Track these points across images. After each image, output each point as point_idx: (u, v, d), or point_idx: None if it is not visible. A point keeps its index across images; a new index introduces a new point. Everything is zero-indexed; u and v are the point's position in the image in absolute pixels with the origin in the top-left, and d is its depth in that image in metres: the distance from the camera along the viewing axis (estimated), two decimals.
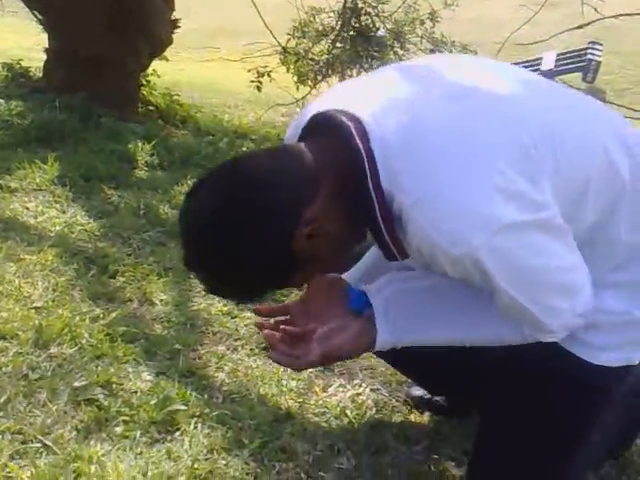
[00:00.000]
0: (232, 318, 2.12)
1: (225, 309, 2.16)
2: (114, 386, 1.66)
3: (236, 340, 2.00)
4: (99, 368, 1.72)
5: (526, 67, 10.07)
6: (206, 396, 1.70)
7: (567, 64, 10.01)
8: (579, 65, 9.96)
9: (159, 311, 2.09)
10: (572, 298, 1.18)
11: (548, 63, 9.91)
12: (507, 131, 1.09)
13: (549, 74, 9.93)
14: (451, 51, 5.03)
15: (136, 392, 1.67)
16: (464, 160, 1.04)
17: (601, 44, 9.67)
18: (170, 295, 2.19)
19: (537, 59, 9.97)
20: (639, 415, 1.53)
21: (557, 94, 1.27)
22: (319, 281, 1.30)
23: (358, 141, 1.08)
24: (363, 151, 1.07)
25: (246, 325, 2.09)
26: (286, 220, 1.09)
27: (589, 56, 9.88)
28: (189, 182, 3.14)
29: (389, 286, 1.27)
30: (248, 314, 2.15)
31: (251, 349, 1.97)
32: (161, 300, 2.15)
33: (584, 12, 3.92)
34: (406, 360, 1.50)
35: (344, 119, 1.10)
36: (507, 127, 1.09)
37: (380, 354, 1.56)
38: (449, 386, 1.63)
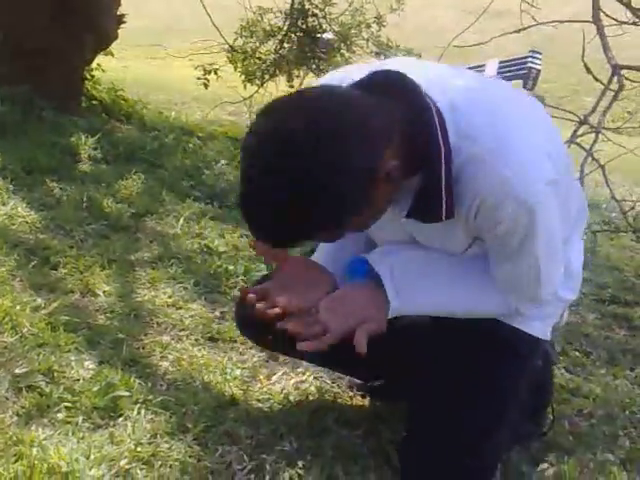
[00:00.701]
0: (177, 309, 2.12)
1: (170, 300, 2.16)
2: (56, 374, 1.65)
3: (181, 330, 2.01)
4: (41, 356, 1.70)
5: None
6: (149, 384, 1.70)
7: (509, 72, 10.25)
8: (520, 73, 10.24)
9: (102, 302, 2.08)
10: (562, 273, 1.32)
11: (491, 70, 10.16)
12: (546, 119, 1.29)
13: None
14: (396, 55, 5.12)
15: (78, 380, 1.66)
16: (529, 129, 1.18)
17: (541, 53, 9.97)
18: (113, 287, 2.19)
19: (480, 66, 10.22)
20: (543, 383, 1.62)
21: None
22: (295, 261, 1.35)
23: (428, 99, 1.13)
24: (433, 107, 1.13)
25: (191, 316, 2.10)
26: (375, 150, 1.07)
27: (529, 64, 10.16)
28: (134, 176, 3.12)
29: (390, 254, 1.30)
30: (194, 305, 2.16)
31: (196, 339, 1.98)
32: (104, 291, 2.14)
33: (526, 21, 4.06)
34: (334, 357, 1.47)
35: (410, 79, 1.14)
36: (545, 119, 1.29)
37: (310, 358, 1.64)
38: (381, 370, 1.67)
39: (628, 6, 2.67)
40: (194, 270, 2.39)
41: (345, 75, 1.23)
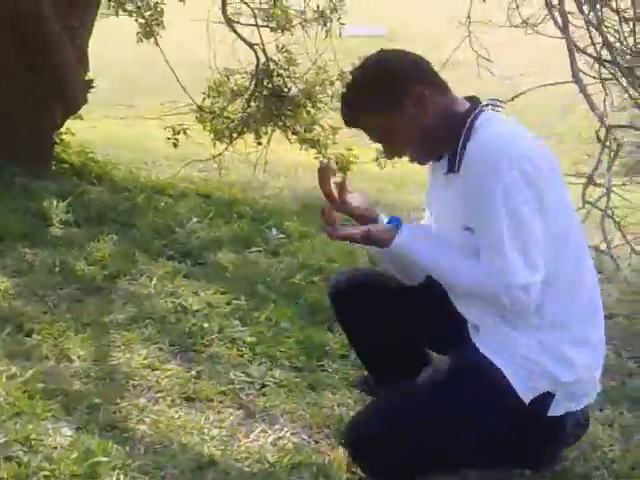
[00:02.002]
0: (153, 370, 2.14)
1: (145, 362, 2.18)
2: (33, 442, 1.65)
3: (157, 392, 2.02)
4: (17, 425, 1.70)
5: None
6: (127, 448, 1.71)
7: None
8: None
9: (77, 367, 2.08)
10: (531, 270, 1.54)
11: None
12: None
13: None
14: None
15: (56, 447, 1.66)
16: (516, 136, 1.66)
17: (501, 101, 10.24)
18: (88, 351, 2.19)
19: None
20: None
21: None
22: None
23: (479, 107, 1.68)
24: (478, 108, 1.67)
25: (167, 377, 2.11)
26: (417, 78, 1.66)
27: None
28: (106, 238, 3.15)
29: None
30: (169, 365, 2.18)
31: (172, 400, 1.99)
32: (79, 356, 2.15)
33: (482, 72, 4.23)
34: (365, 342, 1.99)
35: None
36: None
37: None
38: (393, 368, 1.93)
39: (599, 60, 2.80)
40: (169, 330, 2.40)
41: None
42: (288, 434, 1.87)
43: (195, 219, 3.67)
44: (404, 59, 1.71)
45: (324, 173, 1.74)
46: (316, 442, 1.87)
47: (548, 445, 1.74)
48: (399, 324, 1.87)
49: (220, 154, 4.86)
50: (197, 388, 2.06)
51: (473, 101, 1.71)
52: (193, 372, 2.16)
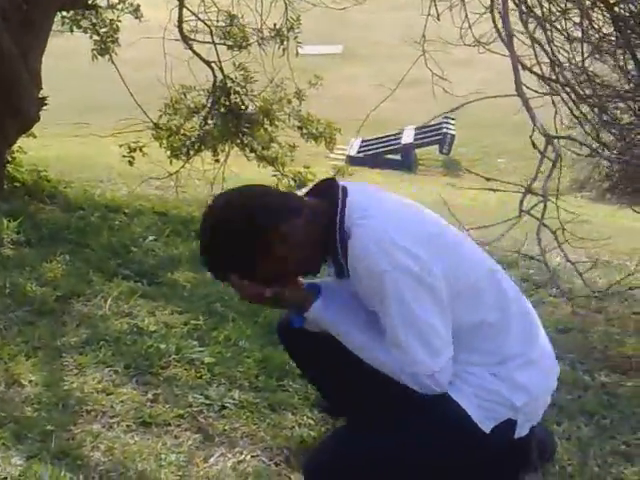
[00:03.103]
0: (107, 395, 2.08)
1: (99, 386, 2.12)
2: None
3: (112, 417, 1.96)
4: None
5: (387, 141, 10.69)
6: (82, 476, 1.65)
7: (425, 137, 10.72)
8: (436, 139, 10.68)
9: (28, 392, 2.02)
10: (432, 357, 1.54)
11: (408, 137, 10.57)
12: (423, 227, 1.65)
13: (409, 147, 10.62)
14: (317, 129, 5.26)
15: (6, 478, 1.59)
16: (394, 227, 1.59)
17: (454, 119, 10.43)
18: (40, 375, 2.13)
19: (398, 133, 10.61)
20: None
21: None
22: None
23: (340, 196, 1.63)
24: (340, 202, 1.62)
25: (122, 401, 2.05)
26: (275, 217, 1.60)
27: (444, 130, 10.63)
28: (58, 258, 3.07)
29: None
30: (124, 389, 2.12)
31: (127, 425, 1.94)
32: (30, 381, 2.08)
33: (437, 90, 4.27)
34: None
35: (338, 183, 1.68)
36: (424, 225, 1.67)
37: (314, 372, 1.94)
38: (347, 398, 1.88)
39: (542, 78, 2.86)
40: (124, 352, 2.35)
41: None
42: (248, 457, 1.83)
43: (151, 237, 3.62)
44: (254, 203, 1.64)
45: None
46: (276, 465, 1.83)
47: (518, 468, 1.74)
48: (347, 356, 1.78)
49: (177, 171, 4.81)
50: (153, 412, 2.01)
51: (330, 193, 1.65)
52: (149, 395, 2.11)
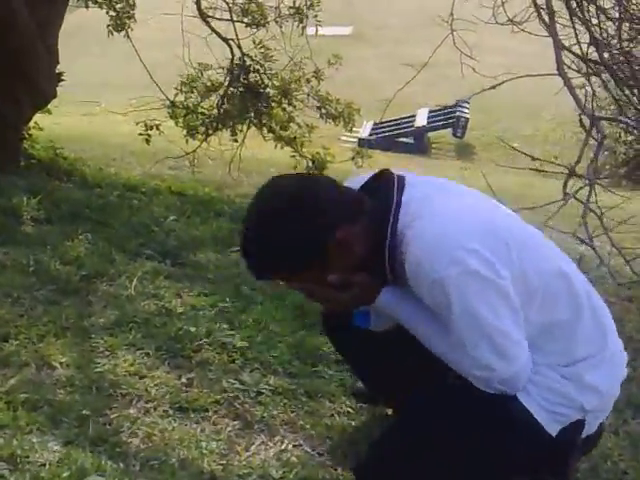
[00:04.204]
0: (140, 378, 2.01)
1: (132, 369, 2.05)
2: (19, 460, 1.52)
3: (147, 402, 1.90)
4: (1, 441, 1.56)
5: (400, 124, 10.57)
6: (122, 464, 1.59)
7: (438, 121, 10.57)
8: (449, 122, 10.55)
9: (60, 375, 1.95)
10: (505, 362, 1.44)
11: (421, 120, 10.44)
12: (487, 225, 1.49)
13: (422, 130, 10.49)
14: (336, 109, 5.16)
15: (44, 464, 1.53)
16: (447, 228, 1.45)
17: (468, 102, 10.30)
18: (70, 357, 2.06)
19: (411, 116, 10.47)
20: None
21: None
22: None
23: (394, 195, 1.48)
24: (395, 201, 1.48)
25: (156, 385, 1.99)
26: (331, 221, 1.45)
27: (458, 113, 10.48)
28: (80, 236, 3.00)
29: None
30: (157, 373, 2.05)
31: (164, 410, 1.87)
32: (61, 363, 2.01)
33: (465, 71, 4.17)
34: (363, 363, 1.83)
35: (394, 177, 1.53)
36: (487, 223, 1.50)
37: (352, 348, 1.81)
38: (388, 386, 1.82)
39: (584, 59, 2.77)
40: (154, 334, 2.28)
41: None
42: (290, 446, 1.77)
43: (172, 217, 3.54)
44: (317, 208, 1.46)
45: None
46: (320, 455, 1.77)
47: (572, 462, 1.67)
48: (399, 349, 1.70)
49: (194, 150, 4.71)
50: (189, 397, 1.94)
51: (385, 190, 1.50)
52: (183, 379, 2.04)
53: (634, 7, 3.80)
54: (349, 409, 2.01)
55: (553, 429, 1.52)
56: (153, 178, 4.71)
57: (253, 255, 1.50)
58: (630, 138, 8.08)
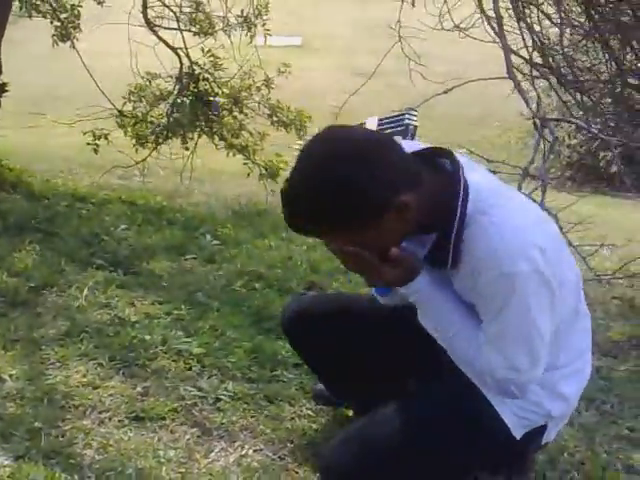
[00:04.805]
0: (94, 389, 1.95)
1: (85, 380, 1.99)
2: None
3: (102, 412, 1.84)
4: None
5: None
6: (77, 476, 1.53)
7: (388, 128, 10.67)
8: (398, 129, 10.66)
9: (10, 387, 1.88)
10: (533, 367, 1.43)
11: (370, 128, 10.53)
12: (551, 227, 1.49)
13: None
14: (288, 117, 5.15)
15: None
16: (527, 222, 1.42)
17: (416, 110, 10.43)
18: (20, 369, 1.99)
19: (361, 124, 10.55)
20: None
21: None
22: None
23: (462, 174, 1.40)
24: (462, 182, 1.39)
25: (111, 395, 1.93)
26: (397, 183, 1.33)
27: (407, 121, 10.61)
28: (28, 247, 2.91)
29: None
30: (112, 383, 2.00)
31: (120, 420, 1.82)
32: (11, 375, 1.94)
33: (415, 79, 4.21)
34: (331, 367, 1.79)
35: (456, 157, 1.44)
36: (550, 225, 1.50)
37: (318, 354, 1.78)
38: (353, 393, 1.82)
39: (532, 62, 2.82)
40: (107, 344, 2.22)
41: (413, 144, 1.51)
42: (251, 452, 1.74)
43: (123, 226, 3.47)
44: (380, 159, 1.33)
45: None
46: (281, 459, 1.74)
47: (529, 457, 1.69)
48: (361, 350, 1.72)
49: (144, 160, 4.63)
50: (146, 406, 1.89)
51: (447, 170, 1.41)
52: (139, 389, 1.99)
53: (574, 14, 3.91)
54: (309, 412, 1.99)
55: (519, 433, 1.53)
56: (102, 188, 4.62)
57: (305, 196, 1.31)
58: (574, 141, 8.27)
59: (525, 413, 1.52)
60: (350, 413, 1.95)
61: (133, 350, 2.19)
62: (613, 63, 4.07)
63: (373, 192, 1.31)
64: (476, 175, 1.43)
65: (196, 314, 2.52)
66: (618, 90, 4.35)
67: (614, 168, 8.17)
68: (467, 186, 1.39)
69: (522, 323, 1.39)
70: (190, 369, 2.14)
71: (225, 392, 2.02)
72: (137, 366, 2.11)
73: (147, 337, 2.27)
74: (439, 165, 1.44)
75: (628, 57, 4.42)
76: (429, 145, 1.48)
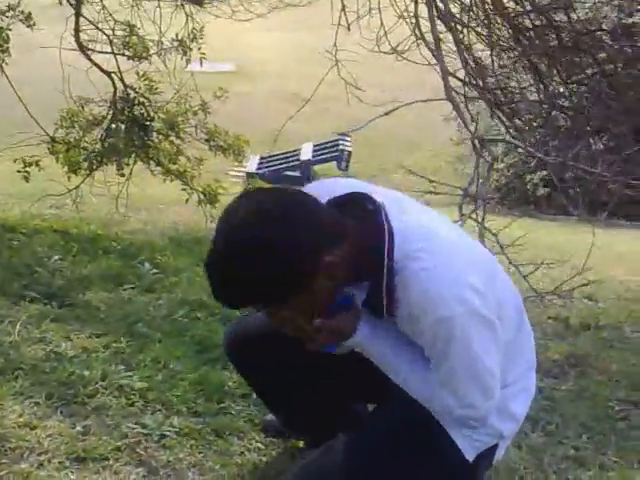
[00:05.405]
0: (31, 429, 1.86)
1: (21, 420, 1.89)
2: None
3: (40, 454, 1.75)
4: None
5: (286, 158, 10.66)
6: None
7: (323, 154, 10.77)
8: (333, 155, 10.76)
9: None
10: (487, 401, 1.45)
11: (306, 153, 10.58)
12: (482, 258, 1.51)
13: (308, 163, 10.63)
14: (225, 141, 5.11)
15: None
16: (458, 262, 1.41)
17: (349, 136, 10.54)
18: None
19: (296, 150, 10.60)
20: None
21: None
22: None
23: (385, 220, 1.39)
24: (387, 227, 1.38)
25: (49, 435, 1.84)
26: (318, 245, 1.33)
27: (340, 146, 10.73)
28: None
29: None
30: (50, 422, 1.90)
31: (60, 462, 1.73)
32: None
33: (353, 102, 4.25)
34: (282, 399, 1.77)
35: (377, 201, 1.42)
36: (482, 256, 1.52)
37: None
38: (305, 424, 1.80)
39: (469, 84, 2.88)
40: (43, 381, 2.12)
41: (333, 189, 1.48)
42: None
43: (56, 257, 3.35)
44: (307, 225, 1.32)
45: None
46: None
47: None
48: (308, 375, 1.69)
49: (77, 187, 4.50)
50: (87, 446, 1.81)
51: (369, 213, 1.40)
52: (79, 427, 1.91)
53: (503, 39, 4.03)
54: (259, 444, 1.94)
55: (471, 455, 1.52)
56: (33, 218, 4.46)
57: (228, 284, 1.34)
58: (501, 165, 8.50)
59: (478, 435, 1.52)
60: (301, 444, 1.91)
61: (71, 387, 2.10)
62: (542, 86, 4.22)
63: (298, 261, 1.31)
64: (403, 217, 1.42)
65: (137, 346, 2.44)
66: (547, 112, 4.50)
67: (541, 191, 8.46)
68: (392, 232, 1.38)
69: (468, 364, 1.41)
70: (133, 405, 2.06)
71: (171, 428, 1.95)
72: (76, 403, 2.02)
73: (86, 372, 2.18)
74: (361, 212, 1.42)
75: (557, 79, 4.59)
76: (348, 191, 1.46)
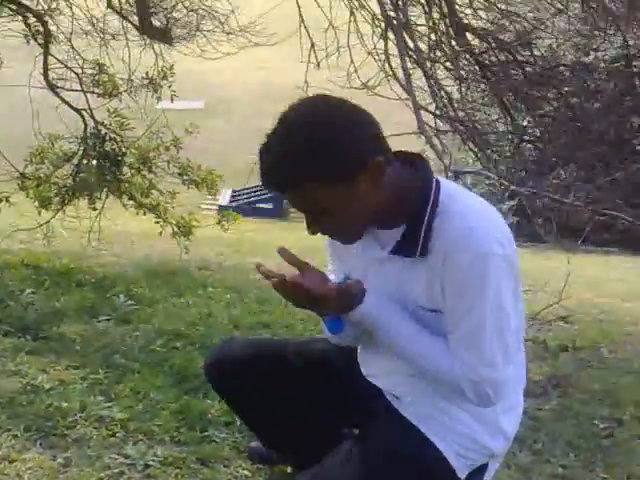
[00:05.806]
0: (10, 463, 1.81)
1: (0, 453, 1.82)
2: None
3: None
4: None
5: (257, 191, 10.66)
6: None
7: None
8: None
9: None
10: (505, 363, 1.41)
11: None
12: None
13: (279, 195, 10.66)
14: (198, 175, 5.11)
15: None
16: (493, 212, 1.45)
17: None
18: None
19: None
20: None
21: None
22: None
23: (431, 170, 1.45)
24: (434, 177, 1.43)
25: (29, 468, 1.79)
26: (375, 146, 1.36)
27: None
28: None
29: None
30: (29, 455, 1.84)
31: None
32: None
33: None
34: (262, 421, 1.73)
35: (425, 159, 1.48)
36: None
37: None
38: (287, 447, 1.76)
39: (438, 116, 2.93)
40: (20, 414, 2.07)
41: None
42: None
43: (29, 290, 3.29)
44: (357, 120, 1.37)
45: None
46: None
47: None
48: (289, 399, 1.65)
49: (48, 222, 4.44)
50: (68, 478, 1.77)
51: (419, 165, 1.45)
52: (60, 459, 1.85)
53: (471, 74, 4.13)
54: (246, 472, 1.90)
55: (463, 474, 1.50)
56: (3, 253, 4.38)
57: (280, 142, 1.34)
58: None
59: (469, 453, 1.50)
60: (289, 469, 1.87)
61: (50, 419, 2.04)
62: (509, 119, 4.31)
63: (348, 146, 1.33)
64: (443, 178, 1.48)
65: (115, 377, 2.39)
66: (517, 145, 4.60)
67: (510, 219, 8.59)
68: (438, 180, 1.43)
69: (497, 314, 1.38)
70: (114, 435, 2.01)
71: (154, 457, 1.91)
72: (56, 436, 1.97)
73: (64, 404, 2.13)
74: (405, 158, 1.45)
75: (523, 113, 4.70)
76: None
